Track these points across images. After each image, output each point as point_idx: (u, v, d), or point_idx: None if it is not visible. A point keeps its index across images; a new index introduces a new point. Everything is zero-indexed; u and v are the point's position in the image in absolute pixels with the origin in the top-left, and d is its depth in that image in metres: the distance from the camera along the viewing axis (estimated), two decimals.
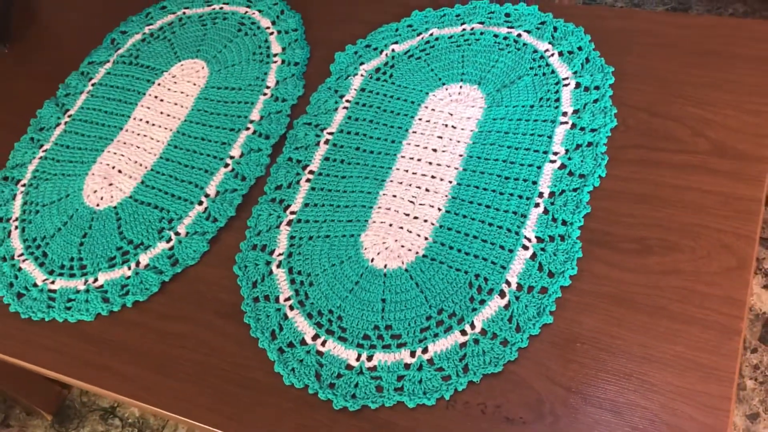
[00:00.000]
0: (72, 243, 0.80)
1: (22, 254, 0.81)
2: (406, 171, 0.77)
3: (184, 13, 0.99)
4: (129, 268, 0.77)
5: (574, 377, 0.62)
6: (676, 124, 0.75)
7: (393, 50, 0.87)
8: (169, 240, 0.78)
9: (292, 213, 0.77)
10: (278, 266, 0.74)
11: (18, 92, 0.98)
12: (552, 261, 0.67)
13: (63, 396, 1.33)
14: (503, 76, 0.81)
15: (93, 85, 0.94)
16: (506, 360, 0.63)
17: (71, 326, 0.75)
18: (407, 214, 0.74)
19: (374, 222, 0.74)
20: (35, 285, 0.78)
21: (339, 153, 0.80)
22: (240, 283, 0.73)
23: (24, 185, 0.87)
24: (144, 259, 0.77)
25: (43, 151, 0.89)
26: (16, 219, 0.84)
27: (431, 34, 0.88)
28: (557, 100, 0.78)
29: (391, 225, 0.73)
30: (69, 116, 0.92)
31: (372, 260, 0.71)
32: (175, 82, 0.91)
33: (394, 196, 0.75)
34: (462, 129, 0.79)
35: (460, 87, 0.82)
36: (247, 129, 0.84)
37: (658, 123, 0.75)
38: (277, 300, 0.71)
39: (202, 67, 0.92)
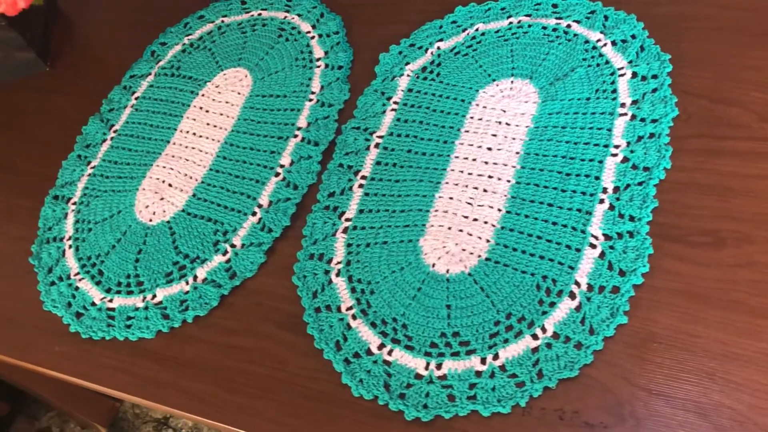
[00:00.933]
0: (127, 260, 0.80)
1: (78, 273, 0.81)
2: (461, 172, 0.75)
3: (222, 21, 0.98)
4: (187, 283, 0.76)
5: (654, 378, 0.60)
6: (740, 111, 0.72)
7: (438, 48, 0.86)
8: (225, 253, 0.77)
9: (347, 220, 0.76)
10: (337, 275, 0.72)
11: (62, 109, 0.98)
12: (622, 259, 0.65)
13: (116, 408, 1.34)
14: (555, 69, 0.79)
15: (136, 98, 0.94)
16: (582, 363, 0.61)
17: (132, 344, 0.75)
18: (466, 217, 0.72)
19: (432, 226, 0.73)
20: (93, 304, 0.78)
21: (390, 156, 0.79)
22: (300, 294, 0.72)
23: (75, 203, 0.87)
24: (201, 273, 0.76)
25: (91, 168, 0.89)
26: (70, 238, 0.84)
27: (477, 30, 0.86)
28: (614, 91, 0.76)
29: (450, 228, 0.72)
30: (114, 131, 0.92)
31: (433, 265, 0.70)
32: (219, 92, 0.90)
33: (451, 198, 0.74)
34: (516, 125, 0.77)
35: (511, 82, 0.80)
36: (296, 136, 0.83)
37: (721, 110, 0.72)
38: (338, 309, 0.70)
39: (245, 76, 0.91)
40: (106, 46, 1.04)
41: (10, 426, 1.40)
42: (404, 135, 0.80)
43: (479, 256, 0.69)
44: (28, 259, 0.83)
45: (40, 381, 1.17)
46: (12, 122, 1.00)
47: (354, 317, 0.69)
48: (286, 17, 0.95)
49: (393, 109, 0.82)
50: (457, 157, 0.77)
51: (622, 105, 0.75)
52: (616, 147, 0.72)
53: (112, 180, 0.87)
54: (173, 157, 0.86)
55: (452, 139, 0.78)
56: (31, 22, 1.01)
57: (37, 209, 0.88)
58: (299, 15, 0.94)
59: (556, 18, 0.83)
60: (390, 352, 0.66)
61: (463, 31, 0.86)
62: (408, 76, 0.85)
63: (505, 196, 0.72)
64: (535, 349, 0.63)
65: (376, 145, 0.80)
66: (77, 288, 0.79)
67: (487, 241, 0.70)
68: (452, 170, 0.76)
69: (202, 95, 0.91)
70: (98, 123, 0.93)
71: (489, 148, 0.76)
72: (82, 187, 0.88)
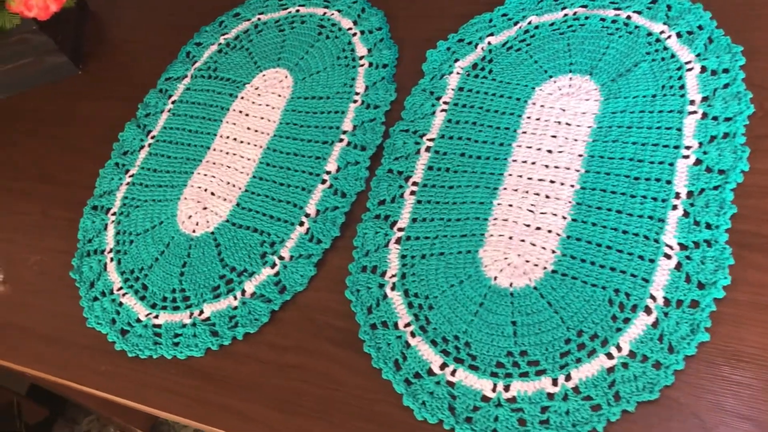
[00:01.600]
0: (172, 273, 0.77)
1: (121, 288, 0.78)
2: (520, 176, 0.71)
3: (259, 19, 0.94)
4: (235, 298, 0.73)
5: (742, 401, 0.56)
6: None
7: (489, 43, 0.81)
8: (273, 265, 0.74)
9: (400, 230, 0.72)
10: (392, 289, 0.69)
11: (96, 115, 0.95)
12: (700, 270, 0.61)
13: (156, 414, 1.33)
14: (617, 64, 0.75)
15: (173, 102, 0.91)
16: (662, 385, 0.58)
17: (181, 363, 0.72)
18: (528, 225, 0.68)
19: (492, 236, 0.69)
20: (138, 320, 0.75)
21: (443, 161, 0.75)
22: (354, 309, 0.69)
23: (114, 214, 0.84)
24: (249, 287, 0.73)
25: (129, 177, 0.86)
26: (111, 250, 0.81)
27: (530, 23, 0.81)
28: (682, 87, 0.71)
29: (511, 238, 0.68)
30: (152, 138, 0.89)
31: (495, 278, 0.66)
32: (259, 95, 0.87)
33: (511, 205, 0.70)
34: (578, 126, 0.72)
35: (570, 79, 0.75)
36: (341, 141, 0.80)
37: None
38: (396, 326, 0.67)
39: (285, 76, 0.87)
40: (139, 47, 1.00)
41: (51, 429, 1.39)
42: (457, 137, 0.76)
43: (545, 268, 0.65)
44: (69, 273, 0.81)
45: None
46: (45, 129, 0.97)
47: (413, 335, 0.66)
48: (325, 13, 0.91)
49: (443, 110, 0.78)
50: (515, 160, 0.72)
51: (692, 102, 0.70)
52: (688, 148, 0.68)
53: (152, 189, 0.84)
54: (214, 164, 0.83)
55: (509, 141, 0.74)
56: (62, 24, 0.98)
57: (75, 220, 0.85)
58: (339, 11, 0.90)
59: (615, 9, 0.78)
60: (453, 373, 0.63)
61: (515, 24, 0.82)
62: (458, 73, 0.80)
63: (570, 202, 0.68)
64: (611, 370, 0.59)
65: (427, 149, 0.76)
66: (121, 303, 0.77)
67: (553, 251, 0.66)
68: (510, 175, 0.72)
69: (242, 98, 0.87)
70: (135, 129, 0.90)
71: (549, 151, 0.72)
72: (122, 197, 0.85)
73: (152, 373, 0.72)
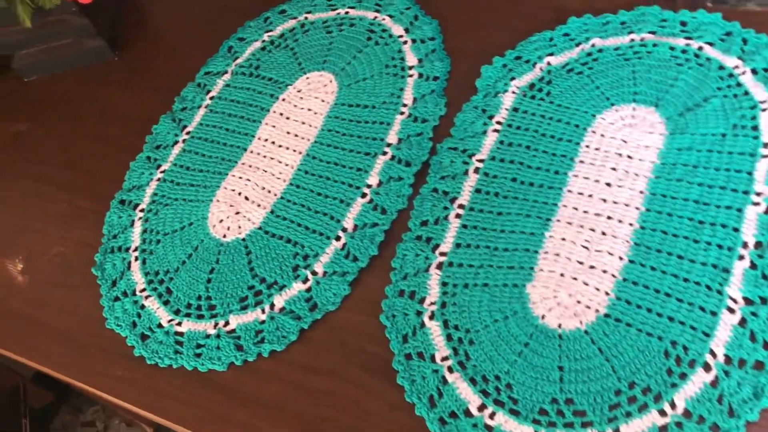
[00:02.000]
0: (198, 279, 0.73)
1: (144, 289, 0.75)
2: (576, 209, 0.67)
3: (306, 18, 0.90)
4: (263, 312, 0.70)
5: None
6: None
7: (549, 63, 0.77)
8: (305, 280, 0.70)
9: (442, 254, 0.68)
10: (431, 318, 0.65)
11: (129, 104, 0.92)
12: (767, 329, 0.57)
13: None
14: (685, 98, 0.70)
15: (211, 98, 0.87)
16: None
17: (202, 375, 0.68)
18: (581, 263, 0.64)
19: (542, 270, 0.65)
20: (160, 326, 0.72)
21: (492, 184, 0.71)
22: (389, 336, 0.65)
23: (142, 210, 0.81)
24: (279, 301, 0.70)
25: (161, 172, 0.83)
26: (136, 249, 0.78)
27: (593, 45, 0.77)
28: (755, 128, 0.67)
29: (562, 275, 0.64)
30: (187, 133, 0.85)
31: (543, 317, 0.62)
32: (302, 98, 0.83)
33: (564, 239, 0.66)
34: (640, 160, 0.68)
35: (633, 109, 0.71)
36: (385, 153, 0.76)
37: None
38: (432, 359, 0.63)
39: (330, 81, 0.84)
40: (179, 37, 0.97)
41: (55, 416, 1.37)
42: (508, 161, 0.72)
43: (597, 311, 0.61)
44: (91, 269, 0.78)
45: None
46: (76, 114, 0.94)
47: (450, 370, 0.62)
48: (376, 18, 0.87)
49: (495, 130, 0.74)
50: (570, 191, 0.68)
51: (765, 145, 0.66)
52: (758, 194, 0.63)
53: (183, 187, 0.81)
54: (250, 167, 0.80)
55: (565, 170, 0.70)
56: (102, 9, 0.95)
57: (102, 213, 0.82)
58: (391, 16, 0.86)
59: (686, 38, 0.74)
60: (492, 416, 0.59)
61: (577, 45, 0.78)
62: (513, 93, 0.76)
63: (628, 242, 0.64)
64: (663, 428, 0.55)
65: (476, 170, 0.72)
66: (143, 306, 0.73)
67: (607, 293, 0.62)
68: (565, 206, 0.68)
69: (283, 100, 0.84)
70: (170, 123, 0.86)
71: (608, 184, 0.68)
72: (151, 193, 0.82)
73: (170, 383, 0.69)
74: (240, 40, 0.91)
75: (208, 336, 0.70)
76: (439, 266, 0.68)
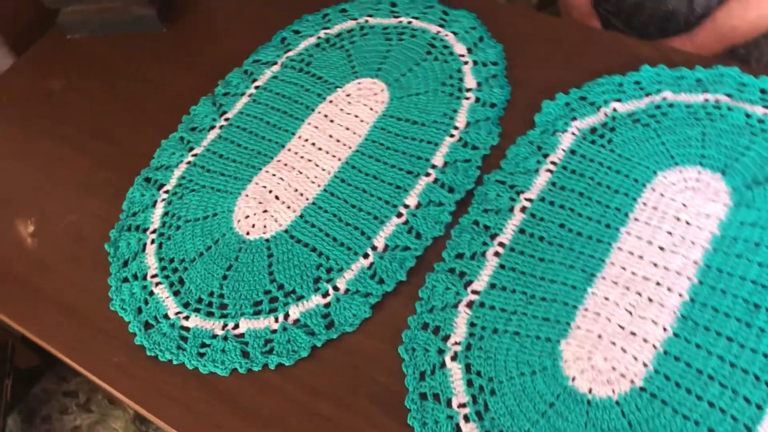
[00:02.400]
0: (214, 274, 0.69)
1: (155, 275, 0.71)
2: (624, 268, 0.63)
3: (366, 21, 0.87)
4: (276, 320, 0.66)
5: None
6: None
7: (614, 109, 0.73)
8: (325, 294, 0.66)
9: (475, 292, 0.64)
10: (453, 358, 0.61)
11: (170, 80, 0.89)
12: None
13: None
14: (756, 169, 0.66)
15: (256, 88, 0.83)
16: None
17: (201, 377, 0.64)
18: (622, 327, 0.60)
19: (578, 328, 0.60)
20: (166, 317, 0.68)
21: (538, 227, 0.67)
22: (405, 370, 0.61)
23: (167, 192, 0.77)
24: (294, 312, 0.66)
25: (192, 156, 0.79)
26: (154, 231, 0.74)
27: (664, 98, 0.73)
28: None
29: (600, 336, 0.60)
30: (226, 120, 0.82)
31: (573, 379, 0.58)
32: (350, 102, 0.79)
33: (607, 298, 0.61)
34: (699, 228, 0.64)
35: (699, 173, 0.67)
36: (428, 175, 0.72)
37: None
38: (449, 404, 0.59)
39: (382, 90, 0.80)
40: (232, 20, 0.94)
41: (38, 381, 1.33)
42: (558, 205, 0.68)
43: (632, 381, 0.57)
44: (104, 245, 0.74)
45: None
46: (114, 82, 0.91)
47: (467, 419, 0.58)
48: (439, 32, 0.83)
49: (549, 170, 0.70)
50: (620, 248, 0.64)
51: None
52: None
53: (213, 175, 0.77)
54: (286, 165, 0.76)
55: (617, 225, 0.66)
56: None
57: (124, 188, 0.78)
58: (455, 33, 0.83)
59: (764, 107, 0.70)
60: None
61: (647, 95, 0.73)
62: (573, 134, 0.72)
63: (675, 313, 0.60)
64: None
65: (523, 209, 0.68)
66: (152, 293, 0.70)
67: (645, 365, 0.58)
68: (613, 264, 0.63)
69: (330, 101, 0.80)
70: (209, 106, 0.83)
71: (661, 248, 0.63)
72: (179, 176, 0.78)
73: (166, 379, 0.65)
74: (295, 32, 0.88)
75: (214, 336, 0.66)
76: (470, 305, 0.64)
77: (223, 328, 0.66)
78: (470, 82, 0.78)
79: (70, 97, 0.90)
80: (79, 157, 0.84)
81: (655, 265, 0.63)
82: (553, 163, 0.71)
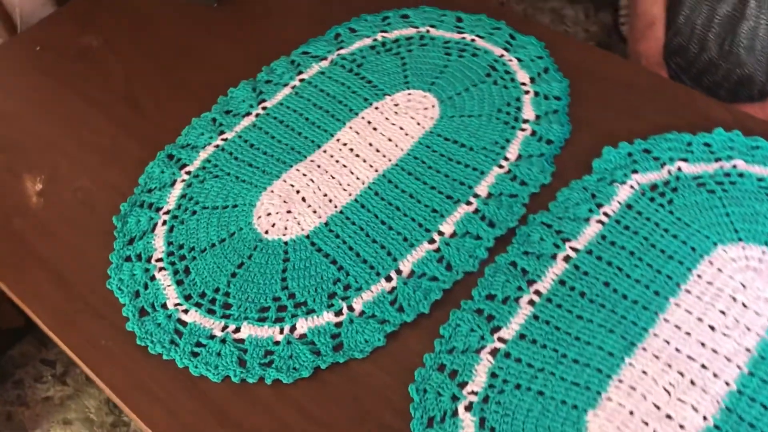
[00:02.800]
0: (223, 269, 0.64)
1: (161, 259, 0.66)
2: (668, 342, 0.57)
3: (428, 31, 0.82)
4: (281, 331, 0.60)
5: None
6: None
7: (679, 169, 0.68)
8: (339, 312, 0.61)
9: (501, 340, 0.59)
10: (467, 409, 0.55)
11: (212, 58, 0.84)
12: None
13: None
14: None
15: (301, 80, 0.78)
16: None
17: (190, 379, 0.59)
18: (658, 407, 0.54)
19: (610, 399, 0.55)
20: (164, 306, 0.63)
21: (581, 281, 0.61)
22: (413, 412, 0.55)
23: (189, 173, 0.72)
24: (302, 326, 0.60)
25: (222, 140, 0.74)
26: (168, 212, 0.69)
27: (734, 166, 0.67)
28: None
29: (632, 413, 0.54)
30: (263, 108, 0.77)
31: None
32: (396, 113, 0.74)
33: (645, 372, 0.56)
34: (756, 313, 0.58)
35: (763, 253, 0.61)
36: (469, 204, 0.67)
37: None
38: None
39: (433, 106, 0.75)
40: (286, 8, 0.88)
41: (17, 342, 1.28)
42: (606, 261, 0.62)
43: None
44: (112, 217, 0.69)
45: None
46: (154, 48, 0.86)
47: None
48: (502, 55, 0.78)
49: (600, 221, 0.65)
50: (667, 320, 0.58)
51: None
52: None
53: (240, 164, 0.72)
54: (319, 167, 0.71)
55: (666, 294, 0.60)
56: None
57: (144, 161, 0.74)
58: (519, 59, 0.78)
59: None
60: None
61: (717, 160, 0.68)
62: (632, 187, 0.67)
63: (718, 402, 0.54)
64: None
65: (566, 259, 0.63)
66: (153, 277, 0.64)
67: None
68: (656, 335, 0.58)
69: (376, 108, 0.75)
70: (249, 91, 0.78)
71: (712, 327, 0.58)
72: (204, 158, 0.73)
73: (153, 375, 0.59)
74: (351, 30, 0.83)
75: (212, 337, 0.60)
76: (494, 353, 0.58)
77: (222, 330, 0.61)
78: (529, 113, 0.73)
79: (106, 57, 0.85)
80: (104, 121, 0.79)
81: (703, 345, 0.57)
82: (605, 214, 0.65)
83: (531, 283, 0.62)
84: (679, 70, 0.95)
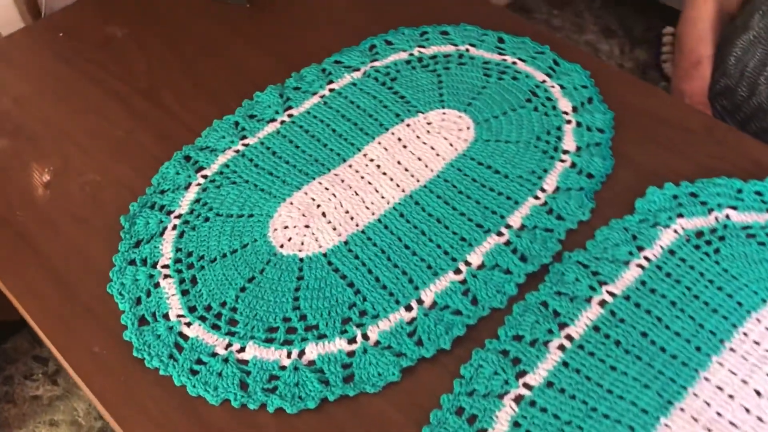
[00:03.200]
0: (232, 282, 0.60)
1: (167, 266, 0.62)
2: (708, 404, 0.52)
3: (467, 49, 0.78)
4: (289, 355, 0.56)
5: None
6: None
7: (728, 217, 0.63)
8: (352, 340, 0.56)
9: (527, 386, 0.54)
10: None
11: (240, 60, 0.80)
12: None
13: None
14: None
15: (331, 90, 0.75)
16: None
17: (186, 398, 0.54)
18: None
19: None
20: (166, 317, 0.58)
21: (617, 329, 0.56)
22: None
23: (205, 177, 0.68)
24: (311, 351, 0.56)
25: (243, 145, 0.70)
26: (179, 216, 0.65)
27: None
28: None
29: None
30: (289, 116, 0.73)
31: None
32: (429, 132, 0.70)
33: None
34: None
35: None
36: (500, 235, 0.62)
37: None
38: None
39: (468, 127, 0.71)
40: (320, 13, 0.85)
41: (12, 336, 1.24)
42: (645, 309, 0.58)
43: None
44: (120, 216, 0.65)
45: None
46: (180, 44, 0.82)
47: None
48: (545, 81, 0.74)
49: (641, 266, 0.60)
50: (707, 379, 0.54)
51: None
52: None
53: (260, 172, 0.68)
54: (342, 181, 0.67)
55: (709, 351, 0.55)
56: None
57: (160, 160, 0.70)
58: (562, 87, 0.74)
59: None
60: None
61: None
62: (676, 232, 0.62)
63: None
64: None
65: (602, 303, 0.58)
66: (157, 284, 0.60)
67: None
68: (695, 395, 0.53)
69: (408, 125, 0.71)
70: (276, 96, 0.74)
71: (758, 392, 0.52)
72: (223, 163, 0.69)
73: (147, 390, 0.55)
74: (387, 42, 0.79)
75: (214, 354, 0.56)
76: (518, 400, 0.53)
77: (226, 348, 0.56)
78: (569, 143, 0.69)
79: (130, 49, 0.82)
80: (123, 115, 0.75)
81: (747, 411, 0.52)
82: (646, 258, 0.61)
83: (562, 326, 0.57)
84: (725, 113, 0.91)
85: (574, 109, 0.72)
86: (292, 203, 0.65)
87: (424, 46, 0.79)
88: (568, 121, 0.71)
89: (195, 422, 0.53)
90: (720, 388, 0.53)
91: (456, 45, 0.79)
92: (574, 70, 0.75)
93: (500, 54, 0.77)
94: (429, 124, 0.71)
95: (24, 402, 1.14)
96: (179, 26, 0.85)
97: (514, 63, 0.76)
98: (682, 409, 0.52)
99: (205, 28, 0.84)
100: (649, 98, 0.74)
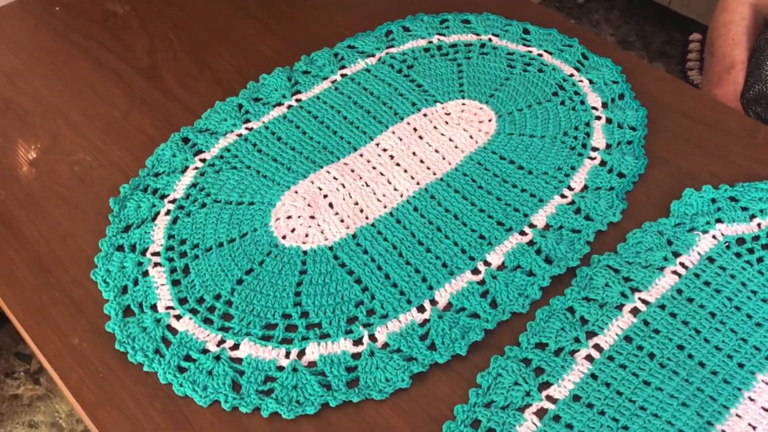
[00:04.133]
0: (229, 274, 0.55)
1: (157, 253, 0.56)
2: (753, 428, 0.47)
3: (490, 40, 0.73)
4: (287, 355, 0.50)
5: None
6: None
7: None
8: (358, 341, 0.51)
9: (550, 399, 0.48)
10: None
11: (248, 41, 0.75)
12: None
13: None
14: None
15: (343, 75, 0.70)
16: None
17: (173, 398, 0.49)
18: None
19: None
20: (154, 308, 0.53)
21: (650, 340, 0.51)
22: None
23: (203, 161, 0.63)
24: (313, 351, 0.50)
25: (246, 129, 0.65)
26: (173, 201, 0.60)
27: None
28: None
29: None
30: (297, 100, 0.68)
31: None
32: (447, 122, 0.65)
33: None
34: None
35: None
36: (523, 234, 0.57)
37: None
38: None
39: (490, 120, 0.66)
40: None
41: None
42: (681, 320, 0.52)
43: None
44: (109, 198, 0.60)
45: None
46: (185, 22, 0.78)
47: None
48: (573, 75, 0.69)
49: (677, 273, 0.55)
50: (752, 399, 0.48)
51: None
52: None
53: (263, 158, 0.63)
54: (352, 171, 0.62)
55: (753, 368, 0.49)
56: None
57: (156, 141, 0.65)
58: (591, 81, 0.69)
59: None
60: None
61: None
62: (715, 238, 0.57)
63: None
64: None
65: (634, 312, 0.53)
66: (146, 273, 0.55)
67: None
68: (739, 417, 0.47)
69: (424, 115, 0.66)
70: (283, 80, 0.69)
71: None
72: (223, 146, 0.64)
73: (129, 388, 0.49)
74: (404, 29, 0.75)
75: (205, 351, 0.51)
76: (540, 413, 0.48)
77: (218, 345, 0.51)
78: (599, 141, 0.64)
79: (131, 26, 0.77)
80: (119, 94, 0.70)
81: None
82: (683, 265, 0.55)
83: (590, 335, 0.52)
84: (759, 120, 0.86)
85: (604, 105, 0.67)
86: (296, 192, 0.60)
87: (443, 35, 0.74)
88: (598, 117, 0.66)
89: (180, 425, 0.48)
90: (766, 410, 0.48)
91: (478, 34, 0.74)
92: (605, 64, 0.70)
93: (525, 45, 0.72)
94: (448, 114, 0.66)
95: (3, 401, 1.08)
96: (183, 4, 0.80)
97: (540, 55, 0.71)
98: (723, 431, 0.47)
99: (210, 7, 0.80)
100: (684, 97, 0.69)
